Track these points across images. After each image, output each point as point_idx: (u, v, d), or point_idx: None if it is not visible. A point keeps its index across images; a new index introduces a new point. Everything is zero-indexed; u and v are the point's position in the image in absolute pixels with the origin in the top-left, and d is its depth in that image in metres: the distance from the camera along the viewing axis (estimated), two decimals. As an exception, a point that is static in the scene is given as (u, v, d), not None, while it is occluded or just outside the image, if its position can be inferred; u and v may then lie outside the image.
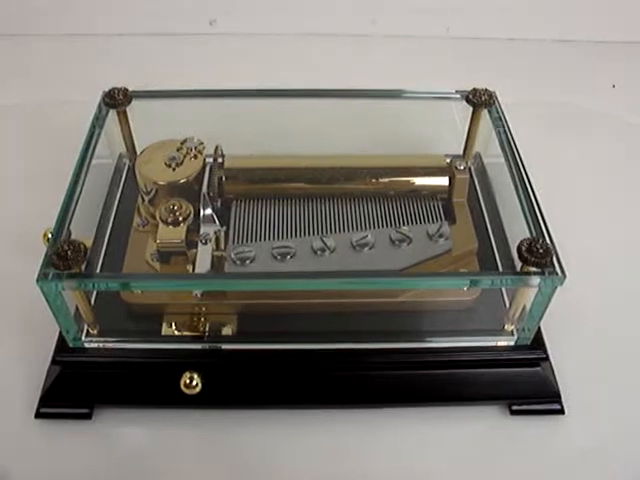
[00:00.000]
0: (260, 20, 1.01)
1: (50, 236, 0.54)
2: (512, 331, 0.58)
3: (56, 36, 1.01)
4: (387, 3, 1.01)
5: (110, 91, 0.66)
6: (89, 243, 0.59)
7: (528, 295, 0.54)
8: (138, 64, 0.95)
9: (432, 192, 0.65)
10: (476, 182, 0.70)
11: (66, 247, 0.50)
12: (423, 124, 0.71)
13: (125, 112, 0.67)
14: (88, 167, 0.60)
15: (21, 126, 0.85)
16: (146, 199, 0.62)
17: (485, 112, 0.67)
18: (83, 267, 0.51)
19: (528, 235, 0.54)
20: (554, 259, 0.51)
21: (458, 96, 0.68)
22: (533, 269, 0.51)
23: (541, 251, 0.50)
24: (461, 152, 0.71)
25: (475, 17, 1.02)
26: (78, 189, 0.57)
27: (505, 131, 0.64)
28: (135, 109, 0.67)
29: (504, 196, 0.64)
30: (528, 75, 0.97)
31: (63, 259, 0.49)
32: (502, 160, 0.62)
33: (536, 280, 0.51)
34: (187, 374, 0.54)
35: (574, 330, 0.63)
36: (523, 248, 0.51)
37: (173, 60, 0.97)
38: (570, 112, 0.90)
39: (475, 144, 0.70)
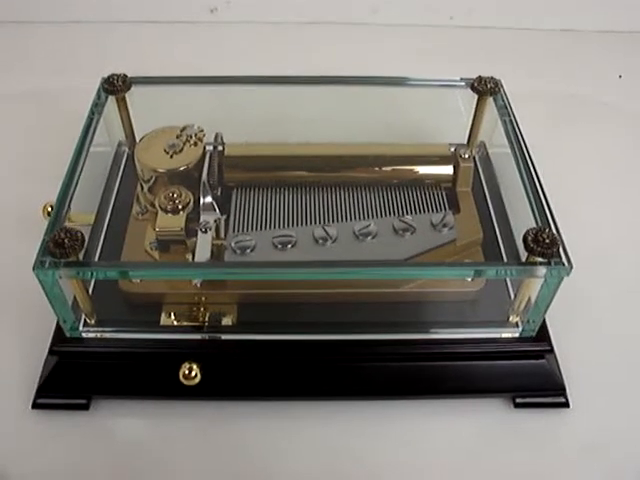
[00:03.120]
0: (261, 8, 1.01)
1: (50, 209, 0.53)
2: (517, 323, 0.57)
3: (57, 23, 1.00)
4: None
5: (109, 77, 0.65)
6: (91, 219, 0.58)
7: (533, 286, 0.53)
8: (139, 52, 0.94)
9: (436, 181, 0.65)
10: (480, 171, 0.69)
11: (63, 235, 0.49)
12: (427, 112, 0.70)
13: (124, 98, 0.66)
14: (87, 153, 0.59)
15: (23, 113, 0.84)
16: (145, 187, 0.61)
17: (490, 100, 0.66)
18: (81, 255, 0.50)
19: (533, 225, 0.53)
20: (560, 249, 0.50)
21: (463, 84, 0.67)
22: (539, 259, 0.50)
23: (547, 241, 0.50)
24: (465, 141, 0.70)
25: (479, 6, 1.01)
26: (76, 175, 0.57)
27: (511, 120, 0.63)
28: (134, 96, 0.66)
29: (509, 185, 0.63)
30: (533, 65, 0.96)
31: (60, 247, 0.48)
32: (507, 149, 0.61)
33: (542, 270, 0.50)
34: (186, 365, 0.53)
35: (579, 322, 0.62)
36: (529, 238, 0.50)
37: (174, 48, 0.96)
38: (576, 102, 0.89)
39: (480, 133, 0.69)
